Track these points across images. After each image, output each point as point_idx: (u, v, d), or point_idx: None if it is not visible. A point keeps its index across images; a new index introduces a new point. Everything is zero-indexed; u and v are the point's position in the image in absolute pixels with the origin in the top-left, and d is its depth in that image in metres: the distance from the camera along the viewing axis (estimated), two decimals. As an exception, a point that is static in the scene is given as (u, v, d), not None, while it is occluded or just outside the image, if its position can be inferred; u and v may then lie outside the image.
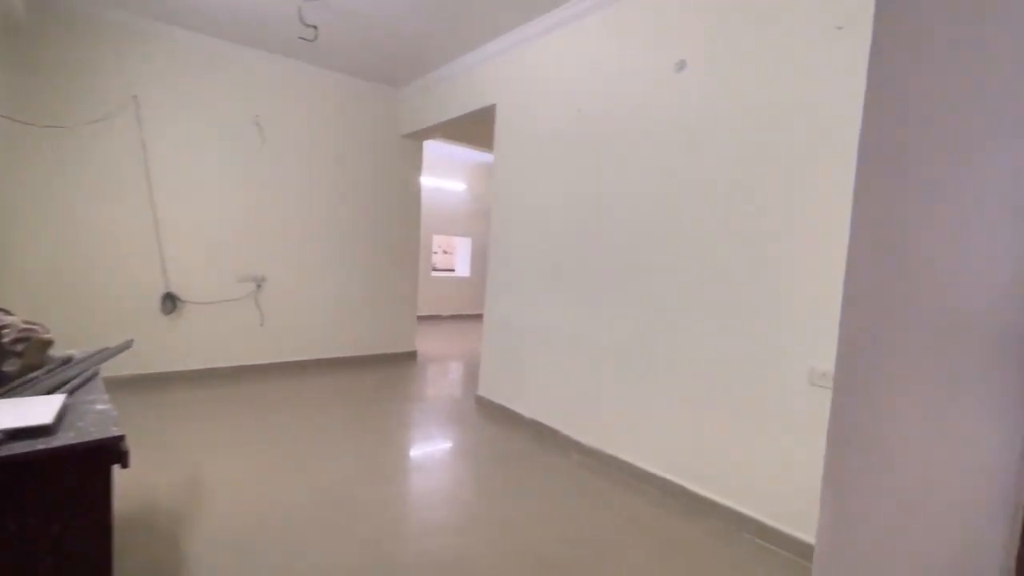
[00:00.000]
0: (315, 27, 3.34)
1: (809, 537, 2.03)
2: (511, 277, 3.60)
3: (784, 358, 2.13)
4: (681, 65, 2.49)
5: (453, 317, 8.73)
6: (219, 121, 4.02)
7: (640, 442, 2.72)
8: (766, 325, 2.19)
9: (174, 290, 3.95)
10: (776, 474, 2.15)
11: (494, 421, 3.54)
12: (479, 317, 9.08)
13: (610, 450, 2.86)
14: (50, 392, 1.43)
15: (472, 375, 4.74)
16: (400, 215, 5.14)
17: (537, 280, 3.37)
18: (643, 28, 2.69)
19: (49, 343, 1.69)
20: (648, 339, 2.67)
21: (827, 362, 1.99)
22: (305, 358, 4.64)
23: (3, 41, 3.16)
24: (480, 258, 9.08)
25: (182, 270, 3.97)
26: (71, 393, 1.44)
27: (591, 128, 2.99)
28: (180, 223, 3.93)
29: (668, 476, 2.56)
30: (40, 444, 1.10)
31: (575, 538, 2.14)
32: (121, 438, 1.20)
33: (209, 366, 4.16)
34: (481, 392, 3.86)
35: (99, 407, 1.37)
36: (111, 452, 1.19)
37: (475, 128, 5.51)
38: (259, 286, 4.33)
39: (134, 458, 1.26)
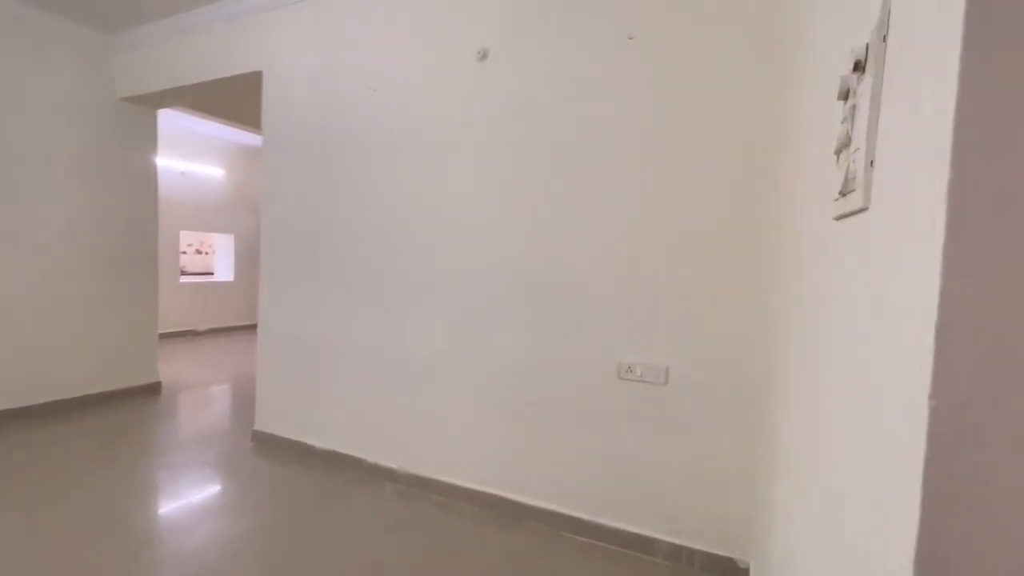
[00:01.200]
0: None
1: (629, 526, 2.10)
2: (292, 283, 2.98)
3: (592, 355, 2.16)
4: (484, 54, 2.34)
5: (213, 332, 7.19)
6: None
7: (456, 459, 2.50)
8: (573, 325, 2.20)
9: None
10: (591, 469, 2.19)
11: (280, 461, 2.88)
12: (249, 329, 7.73)
13: (426, 472, 2.58)
14: None
15: (243, 405, 3.86)
16: (126, 205, 3.85)
17: (326, 287, 2.85)
18: (445, 8, 2.45)
19: None
20: (458, 348, 2.47)
21: (633, 356, 2.08)
22: (-40, 415, 3.09)
23: None
24: (246, 258, 7.67)
25: None
26: None
27: (388, 112, 2.63)
28: None
29: (488, 489, 2.41)
30: None
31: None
32: None
33: None
34: (259, 426, 3.12)
35: None
36: None
37: (235, 100, 4.54)
38: None
39: None
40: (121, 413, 3.61)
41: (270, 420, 3.09)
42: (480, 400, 2.43)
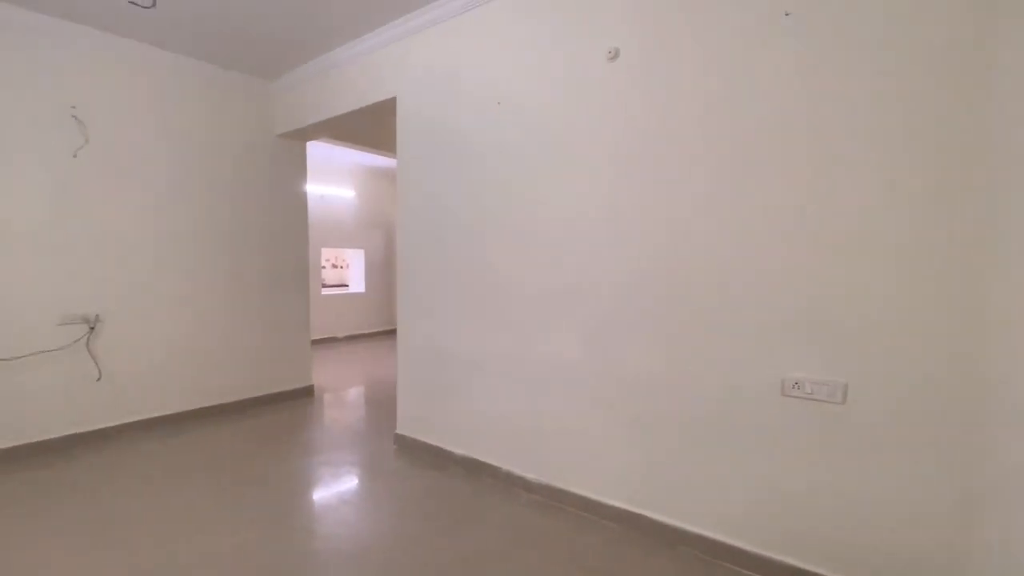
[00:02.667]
0: (152, -10, 2.58)
1: (806, 564, 1.87)
2: (427, 294, 3.13)
3: (749, 369, 1.96)
4: (615, 53, 2.25)
5: (350, 338, 7.90)
6: (18, 110, 2.99)
7: (594, 473, 2.43)
8: (724, 336, 2.01)
9: (-44, 345, 2.86)
10: (755, 494, 1.98)
11: (421, 464, 3.04)
12: (380, 336, 8.41)
13: (561, 484, 2.54)
14: None
15: (386, 409, 4.16)
16: (284, 228, 4.36)
17: (458, 298, 2.95)
18: (567, 11, 2.41)
19: None
20: (592, 357, 2.40)
21: (800, 371, 1.85)
22: (166, 413, 3.70)
23: None
24: (375, 271, 8.35)
25: (-31, 316, 2.89)
26: None
27: (514, 123, 2.65)
28: (-39, 252, 2.85)
29: (633, 508, 2.30)
30: None
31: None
32: None
33: (26, 441, 3.10)
34: (401, 430, 3.33)
35: None
36: None
37: (365, 127, 4.93)
38: (92, 328, 3.33)
39: None
40: (283, 413, 4.08)
41: (410, 425, 3.27)
42: (616, 413, 2.33)
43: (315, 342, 7.20)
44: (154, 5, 2.67)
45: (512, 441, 2.73)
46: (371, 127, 4.89)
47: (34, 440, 3.14)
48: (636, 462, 2.29)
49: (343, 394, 4.81)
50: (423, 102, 3.06)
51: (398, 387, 3.34)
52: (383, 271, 8.49)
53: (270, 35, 3.28)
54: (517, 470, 2.70)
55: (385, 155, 6.48)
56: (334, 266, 9.31)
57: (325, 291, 7.86)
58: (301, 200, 4.50)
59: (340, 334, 7.78)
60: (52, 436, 3.21)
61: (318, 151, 6.96)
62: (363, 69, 3.42)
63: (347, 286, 8.64)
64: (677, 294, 2.12)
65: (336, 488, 2.81)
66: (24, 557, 2.08)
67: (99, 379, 3.37)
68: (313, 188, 7.10)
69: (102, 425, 3.41)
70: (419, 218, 3.15)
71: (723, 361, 2.02)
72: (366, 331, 8.19)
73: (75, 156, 3.21)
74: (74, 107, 3.19)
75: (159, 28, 3.16)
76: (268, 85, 4.15)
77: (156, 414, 3.65)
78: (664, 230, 2.16)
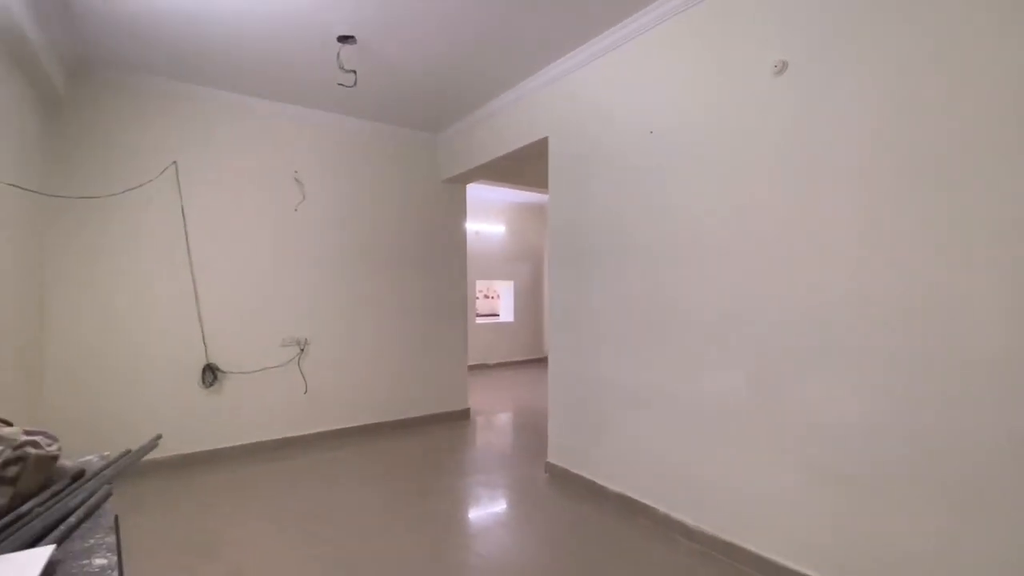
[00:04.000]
0: (354, 71, 3.14)
1: None
2: (579, 322, 3.16)
3: (983, 417, 1.59)
4: (782, 67, 2.09)
5: (501, 365, 8.29)
6: (258, 180, 3.85)
7: (765, 526, 2.16)
8: (936, 376, 1.67)
9: (215, 361, 3.69)
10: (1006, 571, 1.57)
11: (572, 496, 3.02)
12: (527, 363, 8.70)
13: (727, 536, 2.31)
14: (38, 539, 1.07)
15: (535, 434, 4.25)
16: (446, 262, 4.84)
17: (613, 325, 2.93)
18: (732, 27, 2.32)
19: (51, 460, 1.35)
20: (767, 396, 2.16)
21: (1061, 427, 1.45)
22: (352, 425, 4.27)
23: (42, 116, 3.08)
24: (524, 301, 8.70)
25: (222, 338, 3.72)
26: (64, 539, 1.08)
27: (666, 150, 2.60)
28: (219, 288, 3.71)
29: (810, 572, 1.98)
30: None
31: None
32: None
33: (253, 440, 3.84)
34: (552, 459, 3.36)
35: (97, 562, 1.00)
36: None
37: (516, 166, 5.24)
38: (302, 349, 4.04)
39: (163, 563, 0.86)
40: (444, 433, 4.41)
41: (562, 455, 3.28)
42: (794, 461, 2.06)
43: (469, 368, 7.75)
44: (355, 84, 3.24)
45: (672, 482, 2.58)
46: (523, 166, 5.20)
47: (255, 440, 3.86)
48: (821, 521, 1.98)
49: (495, 418, 5.04)
50: (573, 138, 3.18)
51: (549, 415, 3.40)
52: (531, 301, 8.82)
53: (438, 96, 3.75)
54: (677, 514, 2.53)
55: (534, 191, 6.82)
56: (486, 296, 9.94)
57: (479, 320, 8.41)
58: (461, 237, 4.94)
59: (491, 361, 8.21)
60: (269, 438, 3.91)
61: (473, 191, 7.61)
62: (516, 115, 3.69)
63: (498, 315, 9.13)
64: (882, 322, 1.83)
65: (490, 508, 2.94)
66: (236, 533, 2.56)
67: (306, 392, 4.05)
68: (469, 225, 7.76)
69: (305, 432, 4.06)
70: (569, 248, 3.24)
71: (941, 406, 1.67)
72: (515, 359, 8.52)
73: (295, 210, 4.00)
74: (296, 171, 3.99)
75: (356, 102, 3.82)
76: (435, 137, 4.70)
77: (344, 425, 4.24)
78: (848, 260, 1.90)
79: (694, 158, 2.47)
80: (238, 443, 3.78)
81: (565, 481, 3.21)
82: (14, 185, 2.45)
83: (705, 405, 2.41)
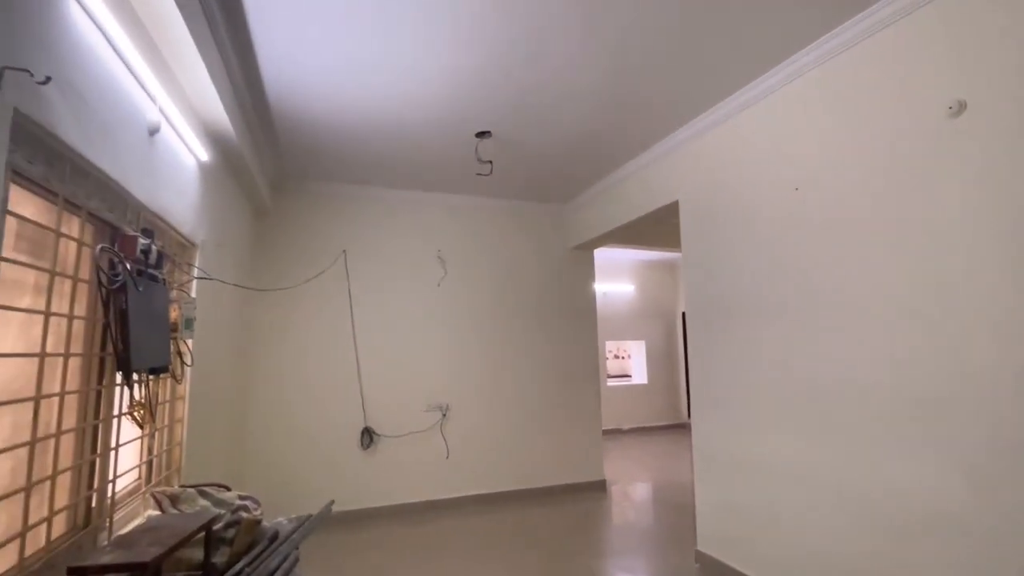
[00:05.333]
0: (490, 162, 3.47)
1: None
2: (726, 394, 2.92)
3: None
4: (959, 107, 1.85)
5: (635, 430, 7.87)
6: (407, 261, 4.34)
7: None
8: None
9: (371, 424, 4.08)
10: None
11: (730, 594, 2.67)
12: (665, 430, 8.14)
13: (949, 675, 1.83)
14: (249, 600, 1.26)
15: (679, 514, 3.90)
16: (577, 326, 4.86)
17: (769, 399, 2.64)
18: (895, 68, 2.13)
19: (258, 523, 1.60)
20: (985, 500, 1.74)
21: None
22: (488, 491, 4.34)
23: (255, 226, 3.88)
24: (657, 362, 8.28)
25: (377, 403, 4.12)
26: (268, 602, 1.26)
27: (816, 207, 2.39)
28: (375, 357, 4.16)
29: None
30: None
31: None
32: None
33: (401, 502, 4.09)
34: (703, 547, 3.03)
35: (292, 631, 1.14)
36: None
37: (645, 228, 5.19)
38: (444, 415, 4.28)
39: None
40: (579, 505, 4.25)
41: (714, 544, 2.95)
42: (1045, 589, 1.60)
43: (603, 433, 7.47)
44: (491, 173, 3.58)
45: (857, 592, 2.15)
46: (651, 228, 5.15)
47: (403, 502, 4.09)
48: None
49: (633, 491, 4.74)
50: (706, 200, 3.09)
51: (696, 496, 3.11)
52: (665, 363, 8.37)
53: (566, 171, 3.94)
54: (869, 635, 2.09)
55: (664, 250, 6.66)
56: (616, 356, 9.67)
57: (611, 382, 8.18)
58: (590, 300, 4.97)
59: (625, 426, 7.84)
60: (415, 500, 4.13)
61: (601, 252, 7.67)
62: (644, 180, 3.71)
63: (629, 376, 8.79)
64: None
65: (638, 601, 2.71)
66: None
67: (447, 457, 4.25)
68: (597, 286, 7.76)
69: (447, 496, 4.22)
70: (708, 310, 3.06)
71: None
72: (651, 424, 8.04)
73: (438, 285, 4.40)
74: (439, 250, 4.42)
75: (491, 184, 4.18)
76: (562, 207, 4.90)
77: (482, 491, 4.32)
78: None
79: (851, 216, 2.23)
80: (388, 503, 4.05)
81: (721, 575, 2.85)
82: (238, 285, 3.09)
83: (898, 502, 2.01)
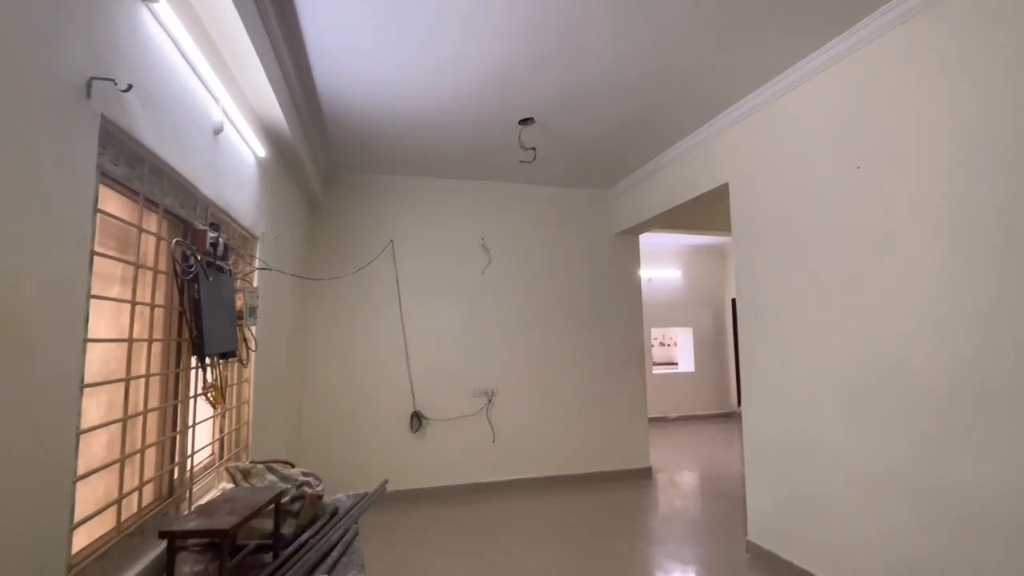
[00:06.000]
0: (534, 148, 3.46)
1: None
2: (780, 381, 2.83)
3: None
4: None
5: (682, 419, 7.74)
6: (453, 248, 4.42)
7: None
8: None
9: (420, 408, 4.21)
10: None
11: (783, 586, 2.61)
12: (713, 419, 7.96)
13: None
14: (313, 568, 1.35)
15: (728, 503, 3.83)
16: (621, 313, 4.81)
17: (826, 385, 2.54)
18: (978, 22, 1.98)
19: (320, 499, 1.71)
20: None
21: None
22: (533, 476, 4.40)
23: (308, 218, 4.05)
24: (704, 350, 8.08)
25: (425, 388, 4.25)
26: (331, 570, 1.35)
27: (876, 186, 2.26)
28: (423, 343, 4.28)
29: None
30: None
31: None
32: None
33: (448, 483, 4.22)
34: (754, 537, 2.97)
35: (355, 599, 1.22)
36: None
37: (690, 212, 5.05)
38: (490, 400, 4.37)
39: None
40: (625, 492, 4.25)
41: (765, 534, 2.89)
42: None
43: (648, 420, 7.39)
44: (534, 160, 3.57)
45: (920, 590, 2.06)
46: (699, 213, 5.00)
47: (451, 483, 4.22)
48: None
49: (680, 479, 4.68)
50: (759, 181, 2.97)
51: (747, 485, 3.04)
52: (713, 350, 8.15)
53: (611, 155, 3.88)
54: (934, 634, 2.00)
55: (712, 234, 6.45)
56: (661, 344, 9.51)
57: (656, 370, 8.06)
58: (636, 287, 4.90)
59: (671, 414, 7.73)
60: (462, 482, 4.25)
61: (646, 238, 7.51)
62: (691, 163, 3.60)
63: (675, 364, 8.63)
64: None
65: (686, 589, 2.70)
66: (441, 566, 2.78)
67: (493, 441, 4.34)
68: (642, 271, 7.63)
69: (493, 479, 4.32)
70: (759, 296, 2.96)
71: None
72: (698, 412, 7.88)
73: (483, 273, 4.45)
74: (483, 238, 4.47)
75: (534, 171, 4.17)
76: (606, 192, 4.83)
77: (528, 476, 4.39)
78: None
79: (922, 191, 2.09)
80: (437, 484, 4.20)
81: (773, 567, 2.79)
82: (294, 275, 3.26)
83: (969, 496, 1.91)
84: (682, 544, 3.24)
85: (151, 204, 1.60)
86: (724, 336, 8.18)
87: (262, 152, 2.53)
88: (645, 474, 4.67)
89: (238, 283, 2.34)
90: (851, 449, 2.38)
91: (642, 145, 3.70)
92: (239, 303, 2.24)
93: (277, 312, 3.07)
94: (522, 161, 3.68)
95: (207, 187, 1.91)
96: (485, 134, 3.42)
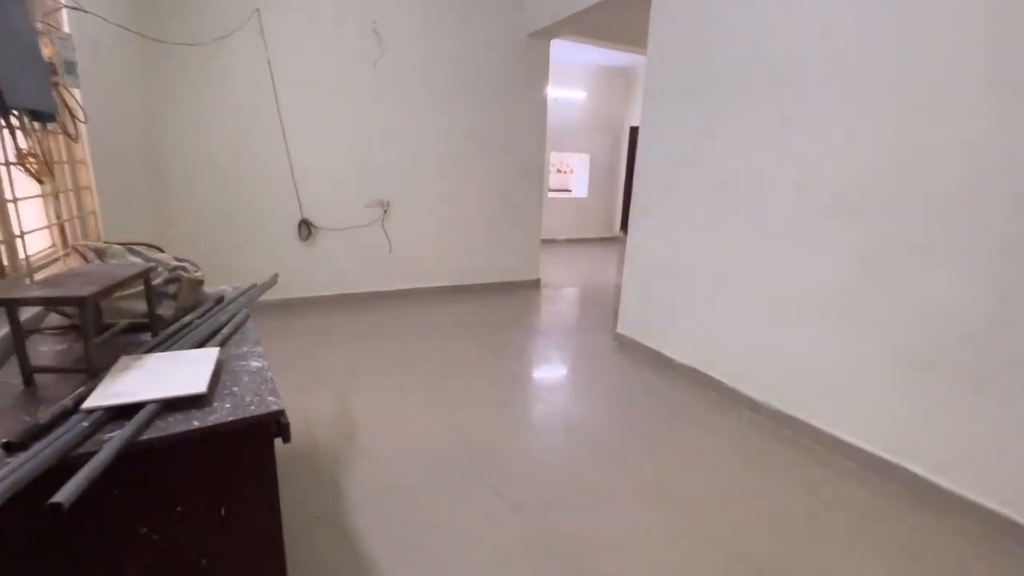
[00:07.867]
0: None
1: None
2: (660, 203, 3.02)
3: None
4: None
5: (570, 241, 8.29)
6: (339, 31, 3.70)
7: (841, 408, 2.18)
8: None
9: (309, 217, 3.93)
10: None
11: (640, 363, 3.16)
12: (599, 242, 8.63)
13: (796, 413, 2.36)
14: (204, 342, 1.28)
15: (603, 308, 4.36)
16: (525, 129, 4.63)
17: (699, 203, 2.77)
18: None
19: (200, 283, 1.55)
20: (866, 285, 2.03)
21: None
22: (429, 285, 4.55)
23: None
24: (599, 177, 8.35)
25: (313, 195, 3.92)
26: (224, 344, 1.28)
27: (790, 25, 2.18)
28: (305, 148, 3.81)
29: (894, 458, 2.02)
30: (195, 420, 0.92)
31: (776, 523, 1.75)
32: (281, 412, 0.99)
33: (343, 292, 4.22)
34: (622, 330, 3.47)
35: (254, 364, 1.18)
36: (271, 427, 0.99)
37: (607, 20, 4.67)
38: (385, 211, 4.20)
39: (287, 384, 1.06)
40: (516, 299, 4.62)
41: (632, 327, 3.37)
42: (893, 353, 1.99)
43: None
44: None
45: (744, 360, 2.60)
46: (617, 21, 4.63)
47: (345, 292, 4.23)
48: (910, 411, 1.96)
49: (564, 291, 5.17)
50: (686, -21, 2.73)
51: (623, 288, 3.43)
52: (607, 178, 8.44)
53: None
54: (744, 389, 2.60)
55: (624, 50, 6.12)
56: (558, 171, 9.61)
57: (551, 195, 8.25)
58: (542, 102, 4.65)
59: (561, 237, 8.21)
60: (357, 291, 4.27)
61: (554, 52, 6.96)
62: (620, -51, 3.17)
63: (570, 191, 8.90)
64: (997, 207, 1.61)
65: (560, 368, 3.16)
66: (335, 365, 2.93)
67: (390, 251, 4.30)
68: (548, 90, 7.24)
69: (389, 288, 4.39)
70: (664, 111, 2.97)
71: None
72: (586, 236, 8.46)
73: (375, 66, 3.87)
74: (374, 21, 3.77)
75: (437, -66, 3.42)
76: (521, -18, 4.21)
77: (424, 285, 4.52)
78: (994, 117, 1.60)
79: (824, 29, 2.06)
80: (330, 293, 4.18)
81: (633, 351, 3.33)
82: (121, 26, 2.51)
83: (799, 291, 2.32)
84: (560, 336, 3.70)
85: None
86: (618, 164, 8.44)
87: None
88: (534, 285, 5.06)
89: (39, 23, 1.74)
90: (711, 256, 2.71)
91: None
92: (46, 51, 1.70)
93: (109, 77, 2.44)
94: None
95: None
96: None
